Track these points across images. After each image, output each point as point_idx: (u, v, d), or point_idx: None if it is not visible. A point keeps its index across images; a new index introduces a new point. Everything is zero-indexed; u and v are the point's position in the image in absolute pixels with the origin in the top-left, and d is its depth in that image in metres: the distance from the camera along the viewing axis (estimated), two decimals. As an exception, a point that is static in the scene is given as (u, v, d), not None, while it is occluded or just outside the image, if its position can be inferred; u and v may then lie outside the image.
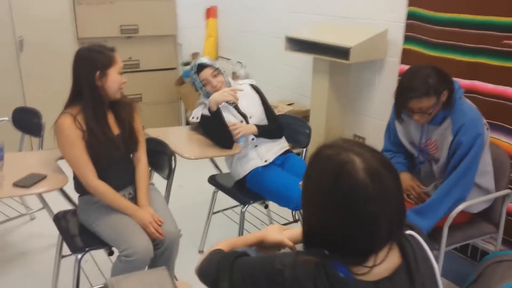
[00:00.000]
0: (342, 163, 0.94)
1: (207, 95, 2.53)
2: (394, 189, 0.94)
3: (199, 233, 2.83)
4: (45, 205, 2.53)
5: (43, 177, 1.96)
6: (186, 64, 4.52)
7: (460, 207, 2.00)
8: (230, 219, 3.06)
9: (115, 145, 2.07)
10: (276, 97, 4.05)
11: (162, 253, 2.05)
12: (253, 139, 2.50)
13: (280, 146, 2.62)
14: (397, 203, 0.95)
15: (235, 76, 4.48)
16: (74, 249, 2.00)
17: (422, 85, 1.93)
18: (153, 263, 2.04)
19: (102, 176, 2.05)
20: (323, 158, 0.99)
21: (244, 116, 2.53)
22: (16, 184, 1.86)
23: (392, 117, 2.26)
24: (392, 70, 3.02)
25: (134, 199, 2.14)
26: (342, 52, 2.87)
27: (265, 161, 2.53)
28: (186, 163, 2.34)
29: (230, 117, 2.49)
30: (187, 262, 1.94)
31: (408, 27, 2.86)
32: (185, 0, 4.61)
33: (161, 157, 2.26)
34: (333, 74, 3.12)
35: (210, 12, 4.78)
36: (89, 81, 1.99)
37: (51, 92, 4.01)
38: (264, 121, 2.59)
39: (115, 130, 2.11)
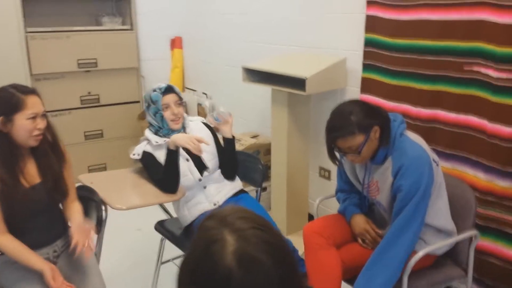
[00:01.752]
0: (211, 241, 0.80)
1: (155, 127, 2.34)
2: (273, 278, 0.76)
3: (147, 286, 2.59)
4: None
5: None
6: (149, 97, 4.34)
7: (417, 255, 1.81)
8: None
9: (32, 196, 1.86)
10: (241, 129, 3.87)
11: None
12: (200, 179, 2.30)
13: (231, 186, 2.42)
14: None
15: (200, 107, 4.30)
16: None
17: (344, 123, 1.77)
18: None
19: (19, 231, 1.84)
20: (201, 230, 0.85)
21: (192, 152, 2.33)
22: None
23: (340, 158, 2.07)
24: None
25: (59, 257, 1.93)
26: (299, 83, 2.70)
27: (214, 204, 2.32)
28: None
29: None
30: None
31: (366, 55, 2.71)
32: (148, 32, 4.47)
33: (90, 206, 2.05)
34: (292, 105, 2.95)
35: (175, 43, 4.64)
36: None
37: None
38: (217, 159, 2.39)
39: (36, 179, 1.90)
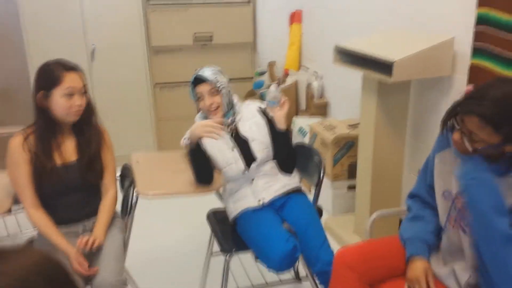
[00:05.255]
0: None
1: (203, 113, 2.19)
2: None
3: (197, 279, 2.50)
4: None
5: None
6: (261, 74, 4.20)
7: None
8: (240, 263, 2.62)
9: (64, 174, 1.88)
10: (346, 115, 3.48)
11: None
12: (245, 171, 2.08)
13: (283, 182, 2.14)
14: None
15: (309, 87, 4.00)
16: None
17: (499, 112, 1.30)
18: None
19: (51, 206, 1.89)
20: None
21: (242, 141, 2.12)
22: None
23: (434, 148, 1.62)
24: (461, 91, 2.28)
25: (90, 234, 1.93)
26: (389, 67, 2.25)
27: (259, 200, 2.08)
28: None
29: (219, 143, 2.11)
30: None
31: (478, 36, 2.11)
32: (267, 6, 4.28)
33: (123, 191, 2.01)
34: (383, 94, 2.49)
35: (295, 17, 4.36)
36: (35, 101, 1.84)
37: (120, 101, 4.08)
38: (270, 149, 2.14)
39: (72, 157, 1.92)
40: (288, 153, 2.16)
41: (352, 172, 3.07)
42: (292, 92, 4.18)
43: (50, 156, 1.87)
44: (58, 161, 1.89)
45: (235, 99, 2.21)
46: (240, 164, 2.09)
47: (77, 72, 1.88)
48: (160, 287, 2.51)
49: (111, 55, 3.96)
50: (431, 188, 1.64)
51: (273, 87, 2.11)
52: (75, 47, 3.86)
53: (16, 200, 1.95)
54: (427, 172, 1.66)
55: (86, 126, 1.95)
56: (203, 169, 2.06)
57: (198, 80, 2.12)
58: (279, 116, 2.11)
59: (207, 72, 2.11)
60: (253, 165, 2.10)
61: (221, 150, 2.10)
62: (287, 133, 2.14)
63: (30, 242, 1.98)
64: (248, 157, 2.11)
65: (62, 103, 1.82)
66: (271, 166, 2.15)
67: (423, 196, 1.69)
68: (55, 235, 1.84)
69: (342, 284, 1.58)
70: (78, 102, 1.85)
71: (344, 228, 2.96)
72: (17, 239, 2.86)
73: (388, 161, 2.61)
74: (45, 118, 1.86)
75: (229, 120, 2.14)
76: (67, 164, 1.90)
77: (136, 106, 4.13)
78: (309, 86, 4.00)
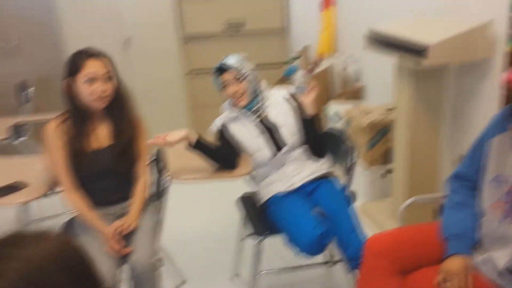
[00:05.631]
0: None
1: (231, 101, 2.21)
2: None
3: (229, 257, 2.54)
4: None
5: (22, 187, 1.94)
6: (293, 59, 4.16)
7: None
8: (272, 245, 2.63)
9: (97, 158, 1.94)
10: (383, 99, 3.42)
11: (134, 282, 1.85)
12: (274, 156, 2.08)
13: (313, 168, 2.14)
14: None
15: (344, 71, 3.94)
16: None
17: None
18: None
19: (88, 188, 1.96)
20: None
21: (271, 127, 2.13)
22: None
23: (487, 132, 1.55)
24: (499, 75, 2.19)
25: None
26: (423, 52, 2.19)
27: (289, 186, 2.09)
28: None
29: (247, 130, 2.12)
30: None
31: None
32: (300, -11, 4.24)
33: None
34: (418, 79, 2.42)
35: (329, 1, 4.30)
36: (63, 89, 1.89)
37: (154, 88, 4.15)
38: (299, 135, 2.14)
39: (106, 142, 1.97)
40: (317, 139, 2.15)
41: (388, 157, 3.02)
42: (326, 77, 4.13)
43: (84, 141, 1.92)
44: (92, 146, 1.94)
45: (263, 85, 2.21)
46: (269, 150, 2.10)
47: (99, 59, 1.89)
48: (194, 267, 2.57)
49: (145, 43, 4.03)
50: (477, 172, 1.57)
51: (300, 74, 2.10)
52: (110, 36, 3.94)
53: (53, 184, 2.01)
54: (476, 154, 1.58)
55: (119, 113, 1.98)
56: (219, 158, 2.09)
57: (222, 69, 2.13)
58: (307, 102, 2.10)
59: (231, 60, 2.12)
60: (283, 151, 2.10)
61: (249, 136, 2.12)
62: (315, 118, 2.12)
63: (69, 223, 2.06)
64: (278, 143, 2.11)
65: (84, 90, 1.86)
66: (301, 152, 2.15)
67: (472, 179, 1.60)
68: (91, 216, 1.91)
69: (373, 271, 1.57)
70: (101, 87, 1.87)
71: (381, 214, 2.93)
72: (56, 220, 2.95)
73: (424, 147, 2.55)
74: (74, 105, 1.91)
75: (257, 106, 2.15)
76: (101, 149, 1.95)
77: (170, 94, 4.20)
78: (344, 70, 3.95)
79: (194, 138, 2.04)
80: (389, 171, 2.97)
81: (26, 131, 3.44)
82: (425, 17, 2.61)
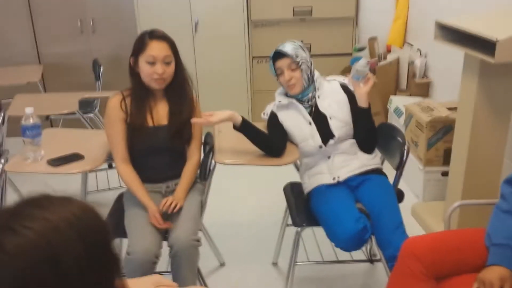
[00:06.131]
0: None
1: (283, 89, 2.20)
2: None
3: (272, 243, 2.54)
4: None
5: (79, 158, 2.06)
6: (360, 50, 4.05)
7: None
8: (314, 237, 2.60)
9: (153, 136, 2.01)
10: (447, 97, 3.24)
11: (173, 259, 1.91)
12: (320, 147, 2.05)
13: (362, 162, 2.08)
14: None
15: (411, 65, 3.77)
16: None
17: None
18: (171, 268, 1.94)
19: (139, 164, 2.04)
20: None
21: (322, 117, 2.09)
22: (48, 162, 2.01)
23: None
24: None
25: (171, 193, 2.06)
26: (492, 47, 2.04)
27: (334, 178, 2.05)
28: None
29: (296, 118, 2.10)
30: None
31: None
32: (372, -22, 4.09)
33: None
34: (486, 76, 2.26)
35: (403, -10, 4.11)
36: (129, 65, 1.98)
37: (219, 72, 4.22)
38: (349, 127, 2.09)
39: (163, 120, 2.04)
40: (369, 132, 2.08)
41: (447, 158, 2.86)
42: (393, 70, 3.98)
43: (143, 117, 2.00)
44: (150, 122, 2.02)
45: (316, 74, 2.17)
46: (317, 139, 2.07)
47: (163, 41, 1.95)
48: (234, 251, 2.62)
49: (213, 27, 4.09)
50: None
51: (362, 61, 2.03)
52: (180, 19, 4.05)
53: (107, 158, 2.12)
54: None
55: (178, 96, 2.05)
56: (264, 143, 2.08)
57: (278, 55, 2.11)
58: (362, 93, 2.04)
59: (287, 47, 2.10)
60: (331, 142, 2.07)
61: (298, 124, 2.10)
62: (369, 111, 2.06)
63: (120, 196, 2.17)
64: (326, 133, 2.08)
65: (145, 69, 1.94)
66: (350, 144, 2.10)
67: None
68: (140, 190, 1.98)
69: (407, 274, 1.51)
70: (160, 70, 1.93)
71: (432, 216, 2.80)
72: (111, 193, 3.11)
73: (486, 149, 2.39)
74: (137, 82, 2.00)
75: (310, 95, 2.11)
76: (158, 127, 2.03)
77: (234, 78, 4.25)
78: (411, 64, 3.78)
79: (238, 120, 2.05)
80: (446, 173, 2.82)
81: (94, 106, 3.65)
82: (500, 11, 2.42)
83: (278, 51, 2.11)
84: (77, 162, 2.03)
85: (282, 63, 2.10)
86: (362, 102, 2.05)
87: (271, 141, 2.08)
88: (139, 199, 1.98)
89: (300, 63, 2.09)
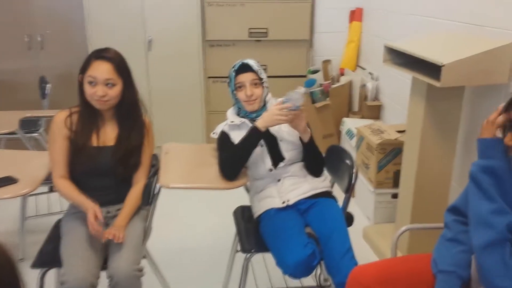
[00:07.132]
0: None
1: (235, 109, 2.15)
2: None
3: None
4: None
5: (11, 182, 1.93)
6: (314, 72, 4.08)
7: None
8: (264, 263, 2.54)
9: (96, 157, 1.91)
10: (399, 120, 3.30)
11: (112, 290, 1.80)
12: (271, 170, 2.01)
13: (312, 185, 2.05)
14: None
15: (362, 89, 3.83)
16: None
17: None
18: None
19: (81, 185, 1.94)
20: None
21: (272, 139, 2.05)
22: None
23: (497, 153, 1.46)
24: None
25: (112, 219, 1.95)
26: (438, 71, 2.08)
27: (284, 202, 2.00)
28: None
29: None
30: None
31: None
32: (326, 3, 4.16)
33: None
34: (433, 100, 2.31)
35: (355, 15, 4.20)
36: (78, 83, 1.91)
37: (173, 91, 4.14)
38: (299, 150, 2.06)
39: (110, 142, 1.95)
40: (314, 159, 2.06)
41: (397, 180, 2.89)
42: (346, 92, 4.03)
43: (87, 136, 1.92)
44: (94, 142, 1.93)
45: (269, 95, 2.14)
46: (267, 162, 2.02)
47: (107, 62, 1.87)
48: (183, 277, 2.51)
49: (167, 46, 4.02)
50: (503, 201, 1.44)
51: (302, 89, 1.97)
52: (133, 37, 3.96)
53: (48, 180, 2.00)
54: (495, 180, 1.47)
55: (127, 119, 1.97)
56: (240, 161, 1.97)
57: (243, 69, 2.06)
58: (301, 129, 1.96)
59: (252, 62, 2.07)
60: (281, 165, 2.03)
61: None
62: (312, 141, 2.02)
63: (57, 223, 2.04)
64: (276, 156, 2.04)
65: (87, 89, 1.88)
66: (300, 167, 2.07)
67: (466, 214, 1.51)
68: (78, 196, 1.88)
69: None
70: (100, 92, 1.85)
71: (383, 239, 2.80)
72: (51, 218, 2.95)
73: (434, 171, 2.42)
74: (84, 101, 1.92)
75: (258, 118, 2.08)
76: (102, 147, 1.94)
77: (188, 98, 4.18)
78: (363, 87, 3.84)
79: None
80: (396, 195, 2.84)
81: (39, 126, 3.48)
82: (447, 35, 2.49)
83: (245, 64, 2.06)
84: (8, 187, 1.90)
85: (246, 77, 2.05)
86: (301, 134, 2.00)
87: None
88: (78, 204, 1.88)
89: (263, 81, 2.06)
